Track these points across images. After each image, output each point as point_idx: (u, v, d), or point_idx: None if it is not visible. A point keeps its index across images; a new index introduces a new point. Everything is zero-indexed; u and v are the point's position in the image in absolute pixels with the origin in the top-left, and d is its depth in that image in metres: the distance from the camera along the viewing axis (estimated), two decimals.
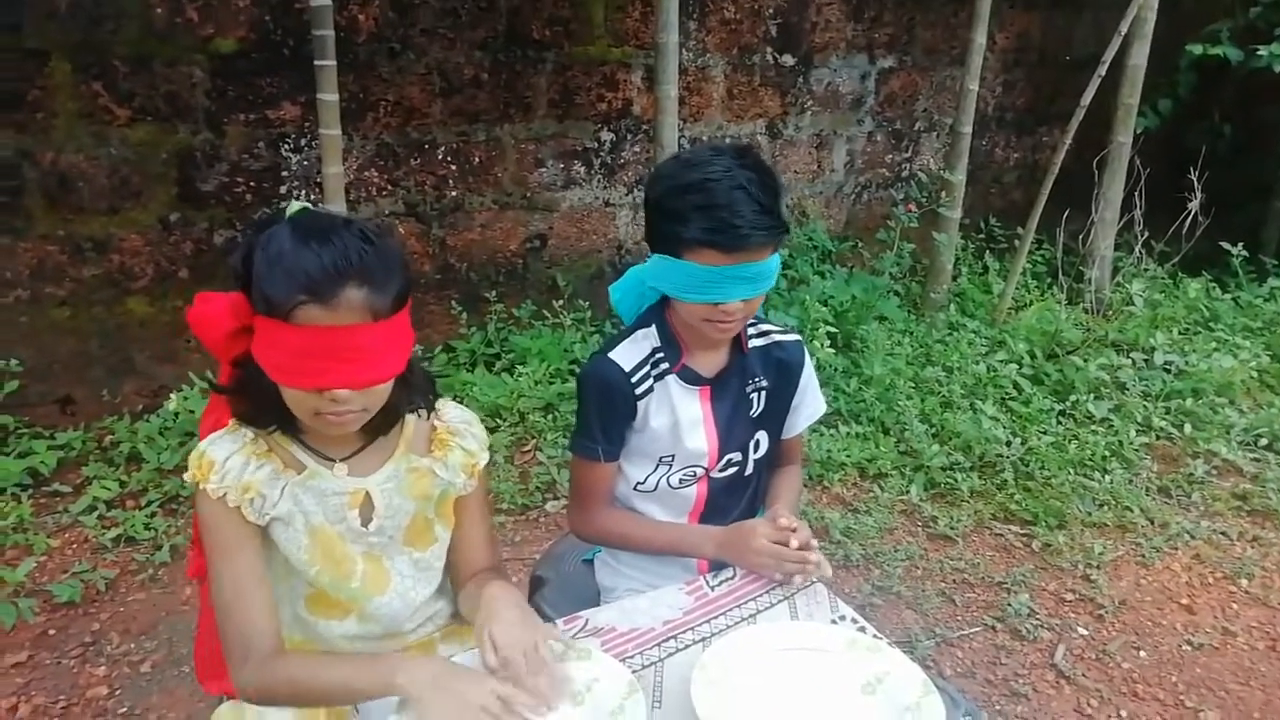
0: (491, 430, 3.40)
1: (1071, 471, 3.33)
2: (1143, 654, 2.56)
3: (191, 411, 3.19)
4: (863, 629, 1.35)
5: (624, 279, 1.65)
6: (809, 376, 1.68)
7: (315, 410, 1.17)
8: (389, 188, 3.77)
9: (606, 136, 4.18)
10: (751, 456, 1.65)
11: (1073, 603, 2.75)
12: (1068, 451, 3.41)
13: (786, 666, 1.25)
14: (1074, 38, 5.40)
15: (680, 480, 1.61)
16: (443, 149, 3.83)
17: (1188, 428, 3.64)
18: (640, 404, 1.55)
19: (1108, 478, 3.30)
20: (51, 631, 2.50)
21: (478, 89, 3.82)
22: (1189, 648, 2.58)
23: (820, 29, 4.61)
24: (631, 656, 1.29)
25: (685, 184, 1.40)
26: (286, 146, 3.51)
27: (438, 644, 1.42)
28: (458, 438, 1.36)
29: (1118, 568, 2.91)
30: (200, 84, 3.30)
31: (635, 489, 1.62)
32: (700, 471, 1.61)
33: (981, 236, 5.37)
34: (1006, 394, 3.82)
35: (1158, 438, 3.62)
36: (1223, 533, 3.09)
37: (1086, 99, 4.20)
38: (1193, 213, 4.62)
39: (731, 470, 1.64)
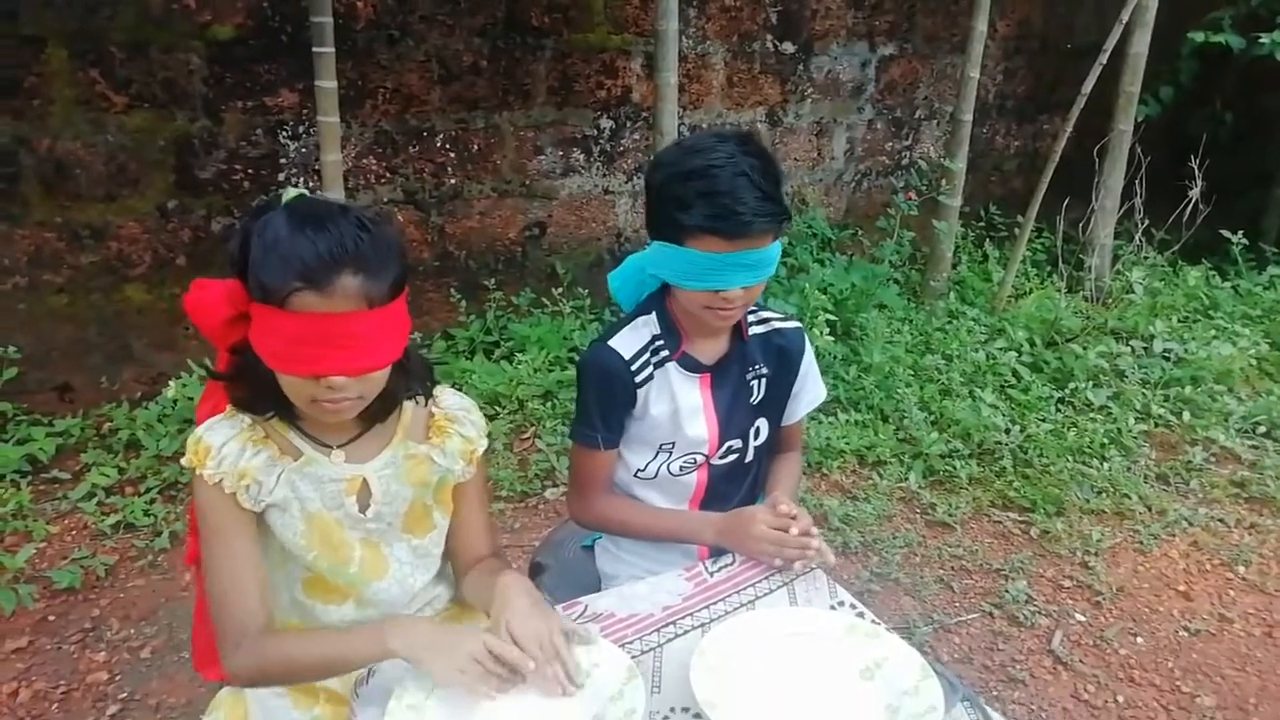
0: (490, 418, 3.40)
1: (1070, 459, 3.34)
2: (1140, 640, 2.57)
3: (190, 399, 3.19)
4: (861, 615, 1.35)
5: (623, 267, 1.64)
6: (809, 363, 1.68)
7: (311, 397, 1.17)
8: (387, 175, 3.76)
9: (606, 124, 4.17)
10: (752, 444, 1.65)
11: (1070, 589, 2.76)
12: (1066, 439, 3.41)
13: (785, 652, 1.25)
14: (1075, 25, 5.38)
15: (681, 467, 1.61)
16: (441, 136, 3.81)
17: (1186, 415, 3.64)
18: (640, 392, 1.54)
19: (1106, 465, 3.31)
20: (51, 617, 2.50)
21: (477, 76, 3.80)
22: (1186, 634, 2.59)
23: (820, 16, 4.58)
24: (631, 642, 1.29)
25: (688, 170, 1.40)
26: (285, 134, 3.49)
27: None
28: (456, 424, 1.36)
29: (1115, 554, 2.92)
30: (198, 71, 3.29)
31: (636, 476, 1.63)
32: (701, 459, 1.61)
33: (981, 224, 5.36)
34: (1006, 382, 3.82)
35: (1156, 425, 3.63)
36: (1220, 520, 3.10)
37: (1088, 87, 4.18)
38: (1193, 200, 4.61)
39: (732, 457, 1.64)
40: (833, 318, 3.82)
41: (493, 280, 4.08)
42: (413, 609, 1.39)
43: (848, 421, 3.52)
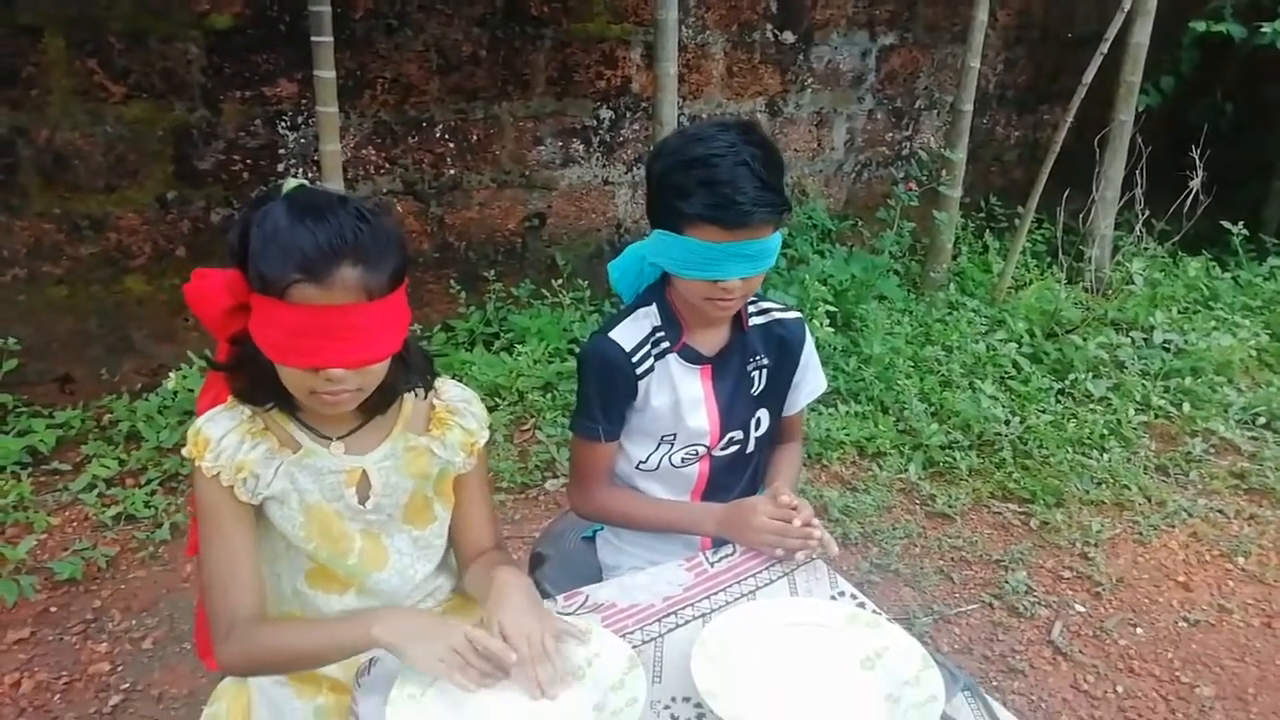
0: (490, 409, 3.38)
1: (1070, 450, 3.34)
2: (1139, 631, 2.57)
3: (190, 390, 3.19)
4: (862, 605, 1.35)
5: (623, 256, 1.64)
6: (810, 353, 1.68)
7: (310, 389, 1.17)
8: (387, 166, 3.75)
9: (605, 114, 4.16)
10: (753, 434, 1.65)
11: (1070, 580, 2.77)
12: (1066, 430, 3.42)
13: (786, 642, 1.25)
14: (1076, 15, 5.36)
15: (682, 459, 1.61)
16: (440, 127, 3.80)
17: (1186, 406, 3.64)
18: (641, 383, 1.54)
19: (1106, 456, 3.31)
20: (53, 608, 2.51)
21: (476, 66, 3.79)
22: (1185, 624, 2.60)
23: (821, 6, 4.56)
24: (632, 632, 1.29)
25: (689, 159, 1.39)
26: (283, 124, 3.48)
27: None
28: (457, 416, 1.36)
29: (1115, 545, 2.93)
30: (196, 61, 3.27)
31: (637, 468, 1.63)
32: (702, 450, 1.61)
33: (982, 215, 5.35)
34: (1005, 373, 3.82)
35: (1156, 416, 3.63)
36: (1220, 511, 3.10)
37: (1088, 76, 4.17)
38: (1194, 191, 4.60)
39: (733, 449, 1.64)
40: (833, 309, 3.82)
41: (492, 271, 4.08)
42: (414, 600, 1.40)
43: (848, 413, 3.52)
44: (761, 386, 1.63)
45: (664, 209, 1.43)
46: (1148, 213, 4.71)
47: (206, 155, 3.39)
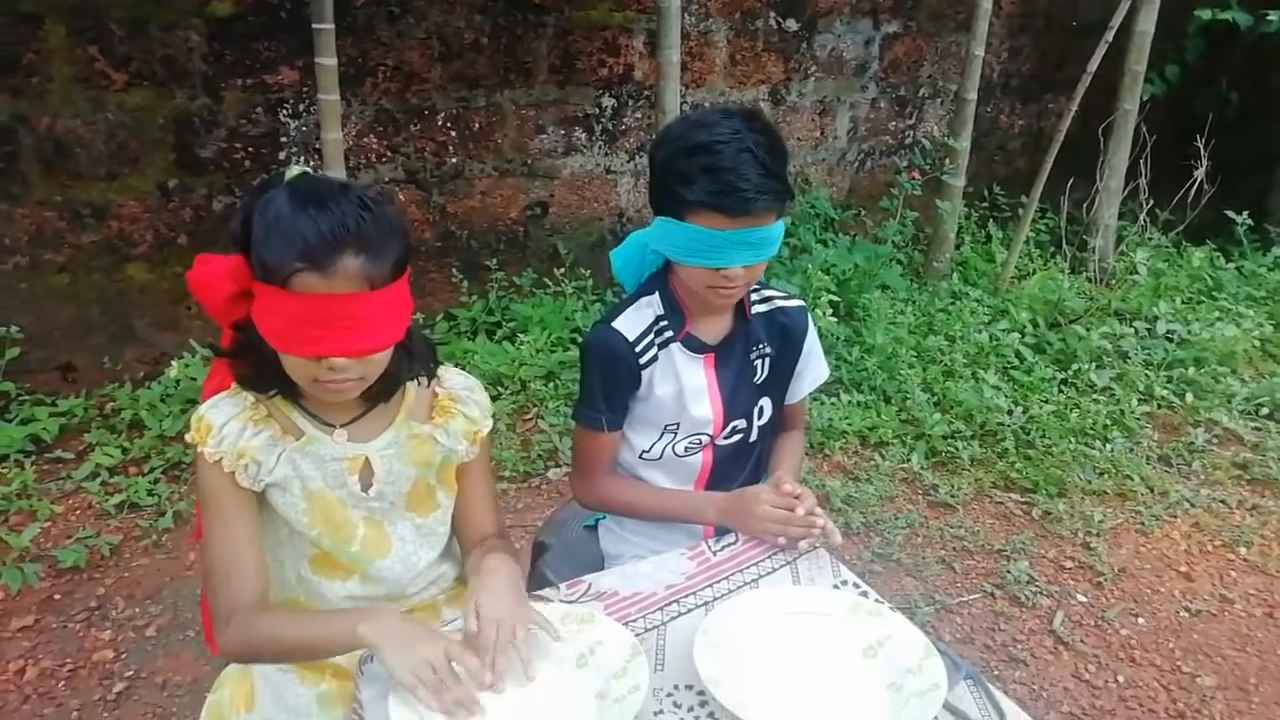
0: (493, 398, 3.38)
1: (1072, 440, 3.34)
2: (1141, 620, 2.58)
3: (193, 379, 3.19)
4: (865, 594, 1.35)
5: (625, 244, 1.63)
6: (812, 341, 1.68)
7: (313, 377, 1.17)
8: (388, 154, 3.74)
9: (608, 102, 4.14)
10: (756, 423, 1.64)
11: (1072, 570, 2.77)
12: (1069, 420, 3.41)
13: (789, 630, 1.26)
14: (1080, 3, 5.32)
15: (686, 448, 1.61)
16: (442, 115, 3.79)
17: (1189, 396, 3.64)
18: (644, 373, 1.54)
19: (1108, 446, 3.31)
20: (57, 596, 2.51)
21: (478, 54, 3.77)
22: (1187, 614, 2.60)
23: None
24: (634, 620, 1.29)
25: (692, 145, 1.39)
26: (285, 112, 3.47)
27: (442, 607, 1.43)
28: (460, 404, 1.36)
29: (1117, 535, 2.93)
30: (197, 48, 3.26)
31: (641, 457, 1.62)
32: (706, 439, 1.61)
33: (985, 205, 5.34)
34: (1008, 363, 3.82)
35: (1159, 406, 3.62)
36: (1222, 501, 3.10)
37: (1093, 65, 4.15)
38: (1198, 181, 4.58)
39: (736, 437, 1.64)
40: (835, 298, 3.81)
41: (494, 260, 4.07)
42: (417, 586, 1.40)
43: (850, 402, 3.52)
44: (764, 375, 1.62)
45: (667, 196, 1.43)
46: (1152, 202, 4.69)
47: (208, 143, 3.38)
